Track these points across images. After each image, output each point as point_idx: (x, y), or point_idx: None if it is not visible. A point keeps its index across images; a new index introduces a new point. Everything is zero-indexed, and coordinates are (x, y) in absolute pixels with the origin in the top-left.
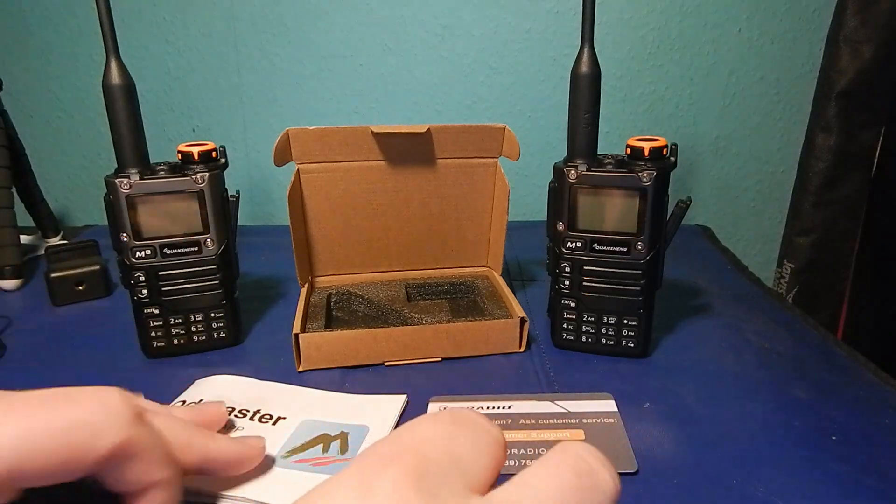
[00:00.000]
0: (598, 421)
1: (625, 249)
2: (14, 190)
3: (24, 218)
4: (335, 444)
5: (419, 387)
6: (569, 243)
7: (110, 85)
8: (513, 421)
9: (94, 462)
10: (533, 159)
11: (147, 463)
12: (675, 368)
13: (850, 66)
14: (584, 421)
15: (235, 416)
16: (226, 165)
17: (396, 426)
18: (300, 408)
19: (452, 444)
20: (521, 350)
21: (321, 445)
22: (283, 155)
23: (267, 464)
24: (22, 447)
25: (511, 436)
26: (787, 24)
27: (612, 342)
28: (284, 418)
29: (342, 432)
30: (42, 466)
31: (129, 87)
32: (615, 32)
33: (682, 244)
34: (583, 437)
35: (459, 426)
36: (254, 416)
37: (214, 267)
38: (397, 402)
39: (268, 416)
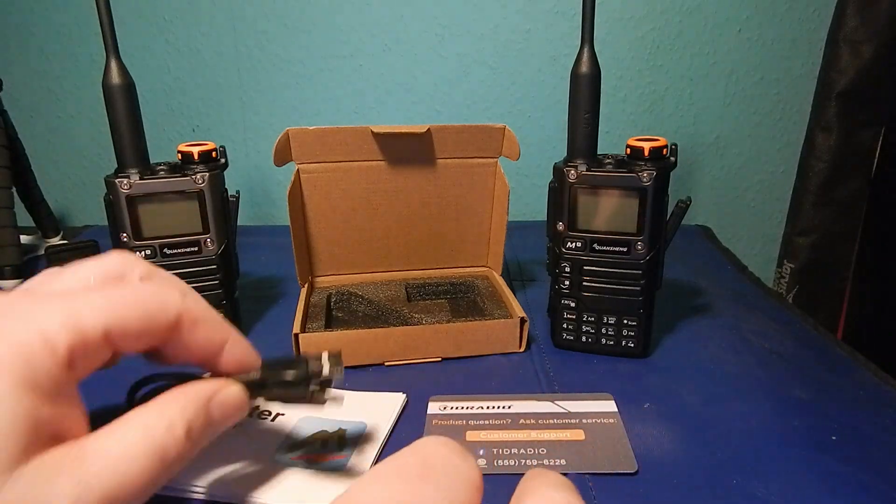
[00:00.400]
0: (598, 421)
1: (625, 249)
2: (14, 190)
3: (24, 218)
4: (333, 441)
5: (419, 387)
6: (569, 243)
7: (110, 85)
8: (513, 421)
9: (167, 327)
10: (533, 159)
11: (210, 323)
12: (675, 368)
13: (850, 66)
14: (584, 421)
15: None
16: (226, 165)
17: (395, 424)
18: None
19: None
20: (521, 350)
21: (319, 442)
22: (283, 155)
23: (265, 460)
24: (110, 314)
25: (511, 436)
26: (787, 24)
27: (612, 342)
28: (283, 414)
29: (340, 429)
30: (128, 329)
31: (129, 87)
32: (615, 32)
33: (682, 244)
34: (583, 437)
35: (427, 478)
36: (252, 411)
37: (214, 267)
38: (396, 400)
39: (266, 413)
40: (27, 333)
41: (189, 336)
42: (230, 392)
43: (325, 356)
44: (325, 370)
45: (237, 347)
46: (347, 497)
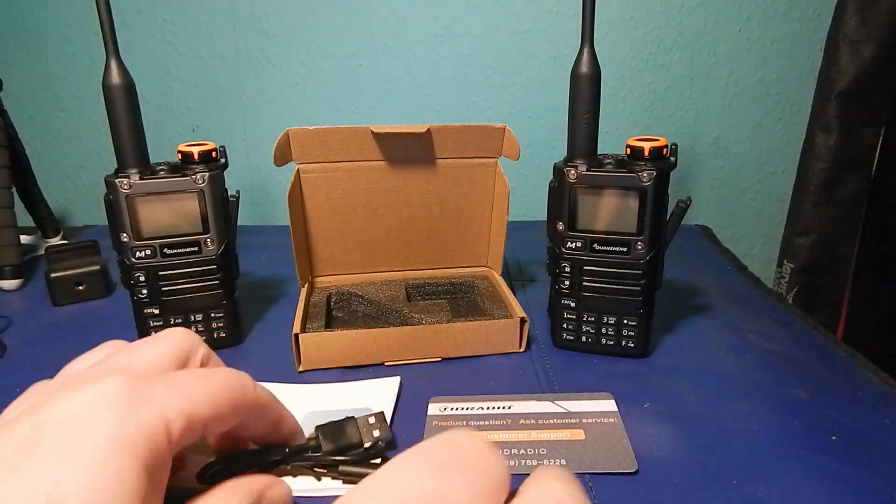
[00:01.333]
0: (598, 421)
1: (625, 249)
2: (14, 190)
3: (24, 218)
4: None
5: (419, 387)
6: (569, 243)
7: (110, 85)
8: (513, 421)
9: (249, 408)
10: (533, 159)
11: (275, 405)
12: (675, 368)
13: (850, 66)
14: (584, 421)
15: None
16: (226, 165)
17: (396, 406)
18: (300, 402)
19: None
20: (521, 350)
21: None
22: (283, 155)
23: None
24: (212, 401)
25: (511, 436)
26: (787, 24)
27: (612, 342)
28: None
29: (347, 417)
30: (221, 415)
31: (129, 87)
32: (615, 32)
33: (682, 244)
34: (583, 437)
35: (452, 471)
36: None
37: (214, 267)
38: (392, 384)
39: None
40: (152, 416)
41: (259, 416)
42: (281, 489)
43: (372, 419)
44: (376, 433)
45: (290, 420)
46: (377, 478)
